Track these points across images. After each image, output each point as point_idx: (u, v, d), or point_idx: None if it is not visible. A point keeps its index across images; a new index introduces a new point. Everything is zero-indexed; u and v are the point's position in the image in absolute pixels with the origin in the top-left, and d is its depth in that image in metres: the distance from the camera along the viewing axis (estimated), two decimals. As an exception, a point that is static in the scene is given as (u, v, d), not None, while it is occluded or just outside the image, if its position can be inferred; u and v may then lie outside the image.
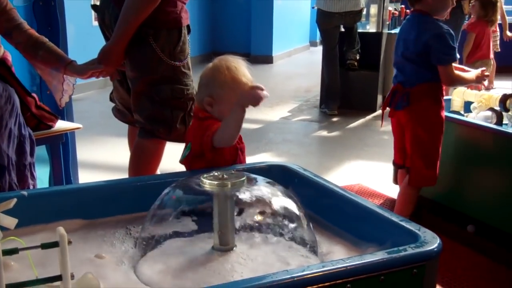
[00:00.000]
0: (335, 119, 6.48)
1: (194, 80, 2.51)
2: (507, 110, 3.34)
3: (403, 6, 8.32)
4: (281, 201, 1.65)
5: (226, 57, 2.11)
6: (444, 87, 3.09)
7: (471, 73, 3.15)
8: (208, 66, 2.10)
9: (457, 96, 3.64)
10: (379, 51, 6.81)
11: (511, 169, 3.07)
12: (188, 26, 2.59)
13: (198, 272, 1.52)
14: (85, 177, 3.72)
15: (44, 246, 1.23)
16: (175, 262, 1.58)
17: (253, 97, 1.97)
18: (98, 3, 2.69)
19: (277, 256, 1.61)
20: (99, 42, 2.66)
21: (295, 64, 11.21)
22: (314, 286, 1.26)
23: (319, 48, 7.91)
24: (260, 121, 6.25)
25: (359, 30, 6.86)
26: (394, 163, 3.33)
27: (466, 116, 3.51)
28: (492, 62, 6.61)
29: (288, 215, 1.64)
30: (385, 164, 4.37)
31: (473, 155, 3.24)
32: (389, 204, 3.76)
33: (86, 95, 6.84)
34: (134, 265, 1.59)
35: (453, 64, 3.05)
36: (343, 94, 6.67)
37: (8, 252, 1.20)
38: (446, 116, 3.09)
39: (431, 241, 1.43)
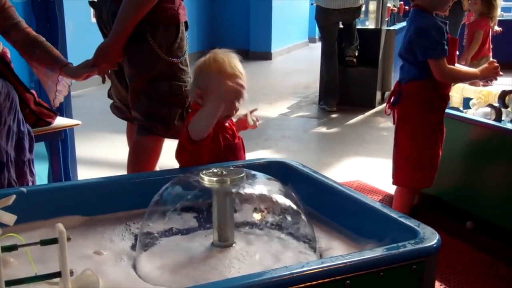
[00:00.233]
0: (334, 115, 6.48)
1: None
2: (506, 107, 3.34)
3: (402, 2, 8.33)
4: (280, 197, 1.65)
5: (216, 51, 2.14)
6: (448, 87, 3.04)
7: (473, 69, 3.10)
8: (200, 59, 2.12)
9: (456, 92, 3.64)
10: (378, 48, 6.81)
11: (510, 166, 3.07)
12: (186, 23, 2.59)
13: (196, 268, 1.52)
14: (84, 173, 3.72)
15: (43, 242, 1.23)
16: (174, 258, 1.58)
17: (232, 90, 1.97)
18: (95, 0, 2.69)
19: (276, 252, 1.61)
20: (98, 39, 2.65)
21: (294, 60, 11.20)
22: (313, 283, 1.26)
23: (318, 45, 7.91)
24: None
25: (358, 27, 6.87)
26: None
27: (465, 113, 3.51)
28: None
29: (287, 211, 1.64)
30: (384, 160, 4.37)
31: (472, 152, 3.24)
32: (388, 200, 3.76)
33: (85, 92, 6.83)
34: (133, 261, 1.59)
35: (458, 65, 3.02)
36: (342, 90, 6.68)
37: (7, 249, 1.20)
38: (445, 113, 3.06)
39: (431, 237, 1.43)
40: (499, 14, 6.95)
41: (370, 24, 7.17)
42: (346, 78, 6.74)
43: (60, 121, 3.00)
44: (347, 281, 1.29)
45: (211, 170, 1.63)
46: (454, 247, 3.08)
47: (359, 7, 6.55)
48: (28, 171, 2.52)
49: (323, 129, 5.97)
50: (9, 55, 2.73)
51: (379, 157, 4.74)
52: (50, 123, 2.91)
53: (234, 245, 1.61)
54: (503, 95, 3.33)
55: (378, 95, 6.95)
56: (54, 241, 1.22)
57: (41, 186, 2.20)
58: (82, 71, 2.53)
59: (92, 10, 2.71)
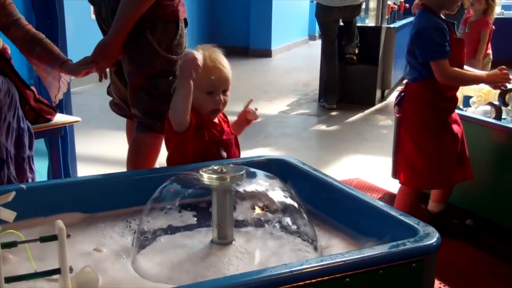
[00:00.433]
0: (333, 113, 6.48)
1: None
2: (506, 105, 3.34)
3: (402, 0, 8.32)
4: (280, 195, 1.65)
5: (198, 46, 2.18)
6: (454, 89, 2.99)
7: (480, 72, 3.04)
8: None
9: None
10: (378, 45, 6.80)
11: (510, 164, 3.07)
12: (185, 19, 2.58)
13: (195, 266, 1.52)
14: (83, 170, 3.72)
15: (43, 239, 1.23)
16: (173, 256, 1.58)
17: (184, 64, 2.01)
18: (94, -4, 2.68)
19: (275, 250, 1.61)
20: (98, 35, 2.65)
21: (294, 58, 11.20)
22: (313, 280, 1.26)
23: (318, 42, 7.91)
24: (259, 115, 6.22)
25: (358, 24, 6.86)
26: None
27: (465, 111, 3.51)
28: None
29: (286, 209, 1.64)
30: (384, 158, 4.38)
31: (472, 150, 3.24)
32: (388, 198, 3.76)
33: (85, 89, 6.83)
34: (132, 258, 1.59)
35: (468, 68, 2.98)
36: (342, 88, 6.67)
37: (7, 245, 1.20)
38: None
39: (430, 236, 1.43)
40: (499, 12, 6.97)
41: (370, 22, 7.17)
42: (346, 75, 6.73)
43: (59, 118, 3.00)
44: (347, 279, 1.29)
45: (210, 168, 1.63)
46: (454, 246, 3.08)
47: (359, 5, 6.55)
48: (28, 167, 2.52)
49: (323, 127, 5.97)
50: (9, 51, 2.73)
51: (379, 155, 4.74)
52: (50, 120, 2.91)
53: (233, 242, 1.61)
54: (503, 93, 3.32)
55: (378, 93, 6.95)
56: (53, 238, 1.22)
57: (41, 183, 2.20)
58: (81, 68, 2.53)
59: (92, 7, 2.70)
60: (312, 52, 10.81)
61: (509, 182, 3.09)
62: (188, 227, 1.68)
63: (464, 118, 3.30)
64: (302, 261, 1.32)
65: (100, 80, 2.63)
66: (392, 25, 7.26)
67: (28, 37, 2.60)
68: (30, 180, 2.50)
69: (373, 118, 6.30)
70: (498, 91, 3.35)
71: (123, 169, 2.76)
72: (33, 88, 2.79)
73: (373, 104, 6.78)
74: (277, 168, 1.97)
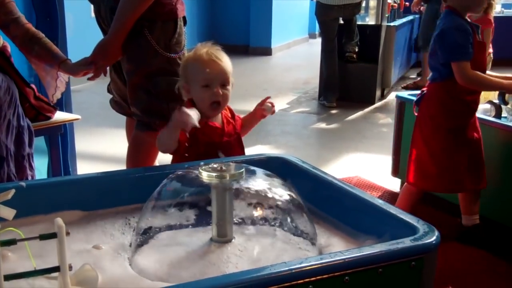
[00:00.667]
0: (333, 111, 6.48)
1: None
2: (506, 103, 3.34)
3: (402, -2, 8.32)
4: (279, 193, 1.64)
5: (198, 44, 2.24)
6: (475, 94, 2.92)
7: (500, 80, 2.92)
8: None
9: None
10: (378, 44, 6.80)
11: (510, 162, 3.07)
12: (184, 18, 2.58)
13: (194, 264, 1.52)
14: (83, 168, 3.72)
15: (42, 237, 1.23)
16: (172, 253, 1.58)
17: (180, 120, 2.00)
18: (94, -5, 2.68)
19: (275, 248, 1.60)
20: (98, 33, 2.65)
21: (294, 56, 11.19)
22: (312, 279, 1.26)
23: (318, 40, 7.90)
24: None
25: (358, 23, 6.86)
26: None
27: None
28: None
29: (286, 207, 1.64)
30: (384, 156, 4.38)
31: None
32: (388, 196, 3.76)
33: (85, 86, 6.82)
34: (131, 256, 1.59)
35: (491, 73, 2.94)
36: (341, 86, 6.67)
37: (6, 243, 1.20)
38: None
39: (430, 234, 1.43)
40: (499, 10, 6.97)
41: (370, 20, 7.17)
42: (346, 74, 6.73)
43: (59, 116, 3.00)
44: (346, 277, 1.29)
45: (210, 166, 1.63)
46: (454, 244, 3.08)
47: (359, 3, 6.54)
48: (28, 165, 2.52)
49: (323, 125, 5.97)
50: (9, 49, 2.73)
51: (379, 153, 4.74)
52: (49, 118, 2.91)
53: (233, 240, 1.61)
54: (503, 92, 3.32)
55: (378, 91, 6.95)
56: (53, 235, 1.22)
57: (41, 180, 2.20)
58: (80, 68, 2.53)
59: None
60: (312, 50, 10.81)
61: (508, 181, 3.08)
62: (188, 225, 1.67)
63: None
64: (301, 259, 1.32)
65: (92, 79, 2.62)
66: (392, 24, 7.26)
67: (27, 35, 2.60)
68: (30, 178, 2.50)
69: (373, 116, 6.30)
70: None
71: (123, 167, 2.76)
72: (33, 86, 2.79)
73: (373, 103, 6.78)
74: (277, 166, 1.97)
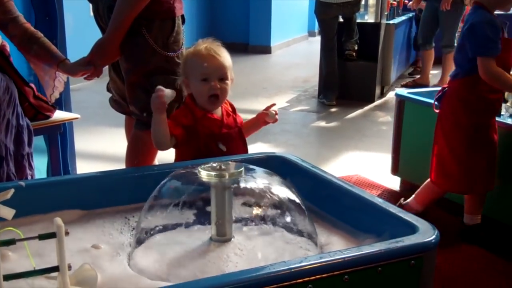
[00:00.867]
0: (333, 109, 6.47)
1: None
2: (505, 101, 3.34)
3: (401, -4, 8.32)
4: (279, 192, 1.65)
5: (198, 41, 2.29)
6: (498, 93, 2.89)
7: None
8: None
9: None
10: (377, 42, 6.79)
11: (509, 160, 3.06)
12: (182, 16, 2.58)
13: (194, 263, 1.52)
14: (83, 167, 3.72)
15: (42, 237, 1.23)
16: (171, 253, 1.58)
17: (152, 99, 2.06)
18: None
19: (274, 247, 1.61)
20: (97, 32, 2.65)
21: (293, 54, 11.18)
22: (312, 278, 1.26)
23: (318, 39, 7.89)
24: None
25: (358, 21, 6.85)
26: None
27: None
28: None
29: (286, 206, 1.64)
30: (384, 154, 4.38)
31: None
32: (387, 194, 3.76)
33: (84, 85, 6.81)
34: (131, 255, 1.60)
35: None
36: (341, 84, 6.67)
37: (6, 243, 1.20)
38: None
39: (429, 233, 1.43)
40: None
41: (370, 18, 7.16)
42: (345, 72, 6.73)
43: (59, 115, 3.00)
44: (345, 276, 1.29)
45: (209, 165, 1.63)
46: (453, 243, 3.08)
47: (359, 1, 6.53)
48: (27, 164, 2.52)
49: (322, 123, 5.97)
50: (8, 48, 2.72)
51: (378, 152, 4.74)
52: (49, 117, 2.91)
53: (232, 239, 1.62)
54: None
55: (378, 89, 6.95)
56: (52, 235, 1.22)
57: (40, 180, 2.20)
58: (78, 68, 2.52)
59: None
60: (311, 49, 10.80)
61: (508, 179, 3.08)
62: (187, 224, 1.68)
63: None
64: (301, 258, 1.32)
65: (89, 79, 2.62)
66: (391, 22, 7.25)
67: (26, 35, 2.59)
68: (29, 177, 2.50)
69: (372, 114, 6.30)
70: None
71: (122, 166, 2.75)
72: (32, 85, 2.79)
73: (372, 101, 6.77)
74: (276, 165, 1.98)
